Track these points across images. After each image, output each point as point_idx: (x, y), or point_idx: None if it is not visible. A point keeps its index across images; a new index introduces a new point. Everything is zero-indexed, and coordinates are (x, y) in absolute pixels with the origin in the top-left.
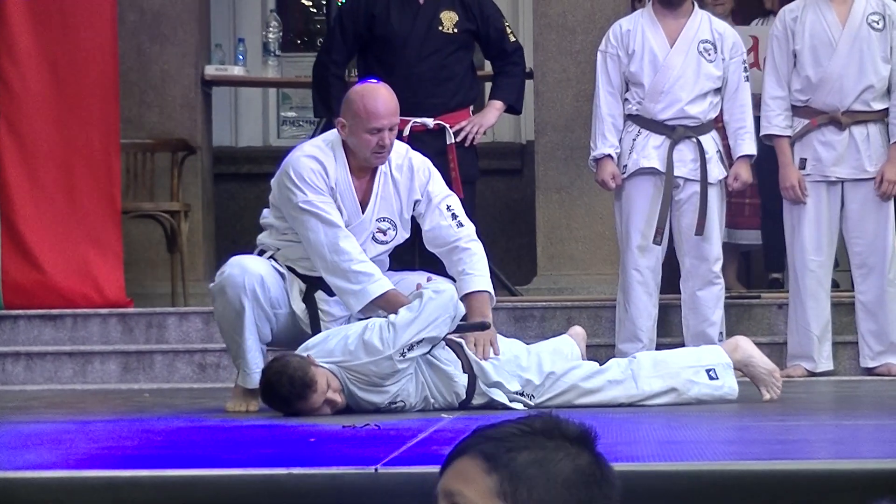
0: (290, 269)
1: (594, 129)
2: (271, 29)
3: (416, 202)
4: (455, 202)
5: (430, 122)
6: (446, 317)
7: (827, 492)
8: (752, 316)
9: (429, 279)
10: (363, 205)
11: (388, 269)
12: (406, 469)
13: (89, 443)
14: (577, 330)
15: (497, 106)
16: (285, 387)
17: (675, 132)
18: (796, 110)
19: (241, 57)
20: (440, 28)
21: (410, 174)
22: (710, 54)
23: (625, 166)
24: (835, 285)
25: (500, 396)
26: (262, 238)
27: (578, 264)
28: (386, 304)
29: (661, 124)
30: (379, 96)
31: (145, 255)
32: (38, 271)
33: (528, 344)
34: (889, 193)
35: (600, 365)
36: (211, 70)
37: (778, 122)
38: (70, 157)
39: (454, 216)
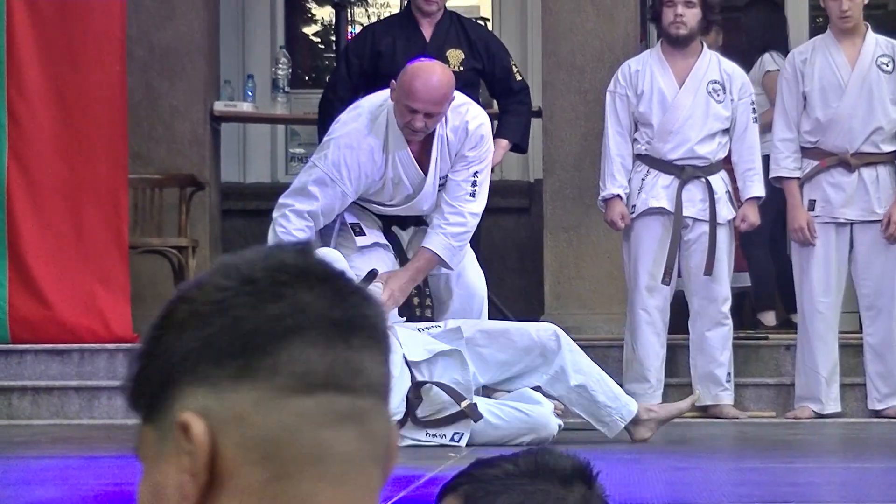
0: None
1: (603, 169)
2: (280, 65)
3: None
4: (484, 175)
5: None
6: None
7: None
8: (760, 357)
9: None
10: (423, 167)
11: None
12: None
13: (96, 479)
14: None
15: (502, 144)
16: None
17: (684, 172)
18: (806, 151)
19: (249, 93)
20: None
21: (465, 136)
22: (718, 95)
23: (633, 206)
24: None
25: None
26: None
27: (586, 303)
28: None
29: (670, 164)
30: (426, 79)
31: (153, 291)
32: (44, 306)
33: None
34: None
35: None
36: (220, 106)
37: (787, 164)
38: (78, 192)
39: (474, 184)
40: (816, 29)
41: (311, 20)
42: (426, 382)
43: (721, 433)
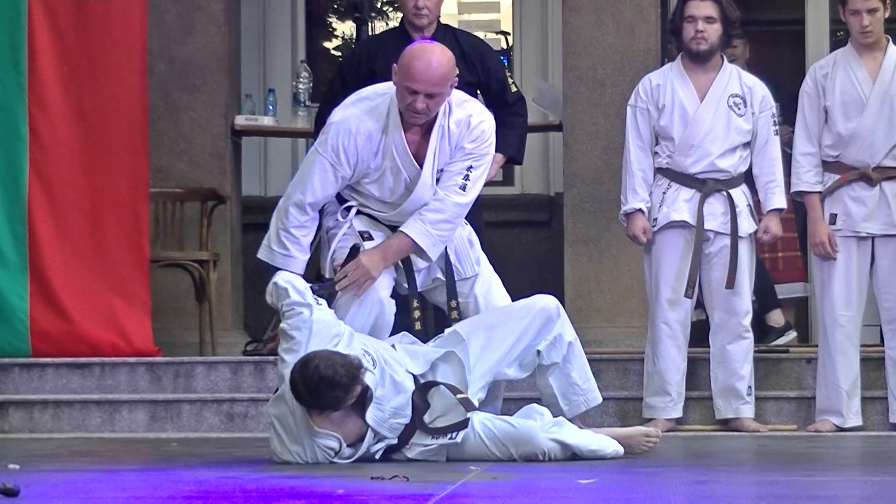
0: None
1: (624, 183)
2: (301, 79)
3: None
4: (479, 172)
5: None
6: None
7: None
8: (781, 370)
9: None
10: (419, 159)
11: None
12: None
13: (117, 492)
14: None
15: (497, 158)
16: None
17: (705, 185)
18: (827, 166)
19: (270, 107)
20: None
21: (467, 131)
22: (739, 108)
23: (655, 220)
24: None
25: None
26: (347, 193)
27: (606, 317)
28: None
29: (692, 178)
30: (426, 60)
31: (174, 305)
32: (65, 320)
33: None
34: None
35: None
36: (241, 120)
37: (808, 178)
38: (98, 206)
39: (466, 178)
40: (837, 43)
41: (332, 34)
42: (428, 383)
43: (742, 447)
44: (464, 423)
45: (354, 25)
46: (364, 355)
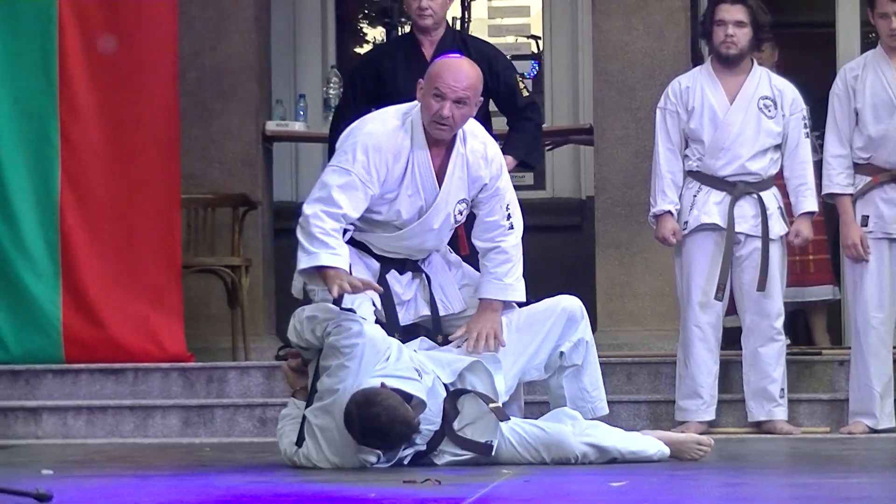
0: (364, 248)
1: (654, 185)
2: (332, 85)
3: (483, 186)
4: (514, 204)
5: None
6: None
7: None
8: (814, 373)
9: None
10: (439, 179)
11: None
12: None
13: (150, 498)
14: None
15: (507, 162)
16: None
17: (735, 188)
18: (858, 168)
19: (301, 113)
20: None
21: (485, 162)
22: (770, 111)
23: (685, 223)
24: None
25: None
26: None
27: (638, 320)
28: (326, 279)
29: (722, 180)
30: (456, 66)
31: (206, 310)
32: (98, 326)
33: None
34: None
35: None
36: (272, 126)
37: (840, 180)
38: (130, 212)
39: (509, 216)
40: (868, 44)
41: (363, 39)
42: (459, 391)
43: (775, 449)
44: (488, 449)
45: (384, 31)
46: (414, 371)
